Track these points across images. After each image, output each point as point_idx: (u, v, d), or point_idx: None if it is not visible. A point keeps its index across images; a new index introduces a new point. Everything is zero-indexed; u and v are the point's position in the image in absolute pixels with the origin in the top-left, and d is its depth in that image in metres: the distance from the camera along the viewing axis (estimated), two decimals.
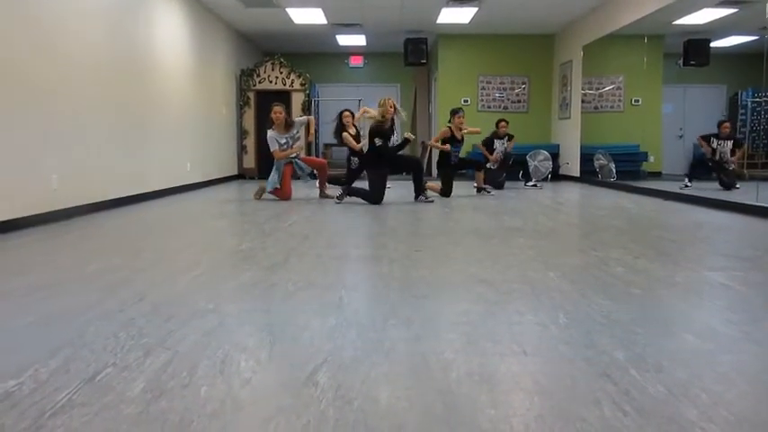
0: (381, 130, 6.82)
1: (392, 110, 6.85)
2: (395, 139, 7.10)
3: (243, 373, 1.76)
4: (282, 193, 7.33)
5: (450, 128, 7.79)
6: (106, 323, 2.25)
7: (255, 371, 1.78)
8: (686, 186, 7.90)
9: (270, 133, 7.32)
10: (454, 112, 7.85)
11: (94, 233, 4.79)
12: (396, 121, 7.23)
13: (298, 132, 7.49)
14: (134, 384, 1.67)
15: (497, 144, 9.12)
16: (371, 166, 6.99)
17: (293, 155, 7.46)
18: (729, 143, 8.32)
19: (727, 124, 8.47)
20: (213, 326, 2.22)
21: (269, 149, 7.54)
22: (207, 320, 2.28)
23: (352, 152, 7.72)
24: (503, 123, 9.18)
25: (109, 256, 3.77)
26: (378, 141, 6.80)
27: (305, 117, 7.62)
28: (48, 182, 5.21)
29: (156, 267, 3.39)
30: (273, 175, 7.33)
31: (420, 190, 6.98)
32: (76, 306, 2.52)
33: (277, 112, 7.30)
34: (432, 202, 6.83)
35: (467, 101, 11.85)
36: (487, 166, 8.85)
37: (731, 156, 8.29)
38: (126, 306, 2.48)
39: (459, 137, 7.81)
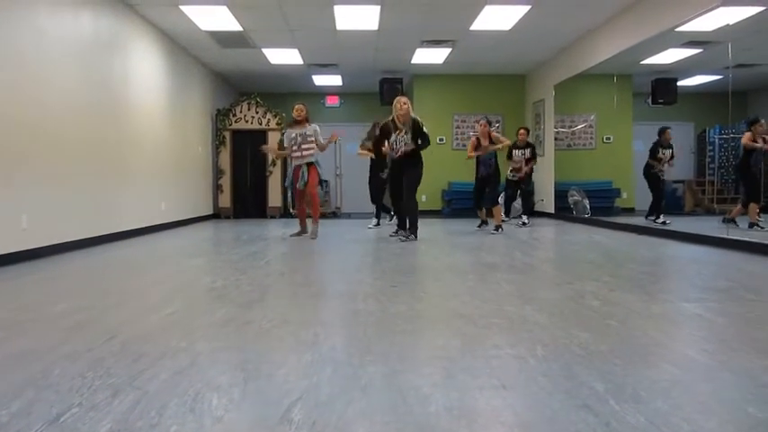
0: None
1: (404, 107, 6.71)
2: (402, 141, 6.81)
3: (215, 412, 1.70)
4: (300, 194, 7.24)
5: (477, 137, 8.07)
6: (73, 363, 2.17)
7: (228, 409, 1.73)
8: (665, 223, 7.97)
9: (287, 131, 7.30)
10: (477, 121, 8.26)
11: (64, 273, 4.68)
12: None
13: (311, 136, 7.14)
14: (100, 425, 1.61)
15: (516, 154, 9.06)
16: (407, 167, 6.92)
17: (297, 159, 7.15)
18: (670, 151, 8.59)
19: (670, 130, 8.67)
20: (185, 365, 2.15)
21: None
22: (178, 359, 2.22)
23: (379, 166, 8.29)
24: (522, 131, 9.19)
25: (78, 295, 3.68)
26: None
27: (321, 137, 7.21)
28: (17, 222, 5.10)
29: (127, 306, 3.31)
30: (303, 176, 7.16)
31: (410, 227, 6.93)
32: (41, 346, 2.43)
33: (298, 110, 7.21)
34: (410, 239, 6.74)
35: (442, 139, 11.99)
36: (510, 176, 9.13)
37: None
38: (94, 345, 2.40)
39: (484, 144, 7.98)
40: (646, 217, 8.34)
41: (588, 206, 9.81)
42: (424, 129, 6.78)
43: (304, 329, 2.66)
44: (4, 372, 2.13)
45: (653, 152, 8.54)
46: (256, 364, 2.18)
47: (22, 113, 5.17)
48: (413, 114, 6.82)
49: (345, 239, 7.17)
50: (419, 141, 6.73)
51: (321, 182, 7.25)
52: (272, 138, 11.40)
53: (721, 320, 2.83)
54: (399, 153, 6.76)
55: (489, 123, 8.18)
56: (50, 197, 5.60)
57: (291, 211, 7.40)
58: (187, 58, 9.85)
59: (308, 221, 7.34)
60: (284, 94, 13.33)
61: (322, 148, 7.19)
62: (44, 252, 5.44)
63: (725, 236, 6.02)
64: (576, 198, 10.08)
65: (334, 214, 11.93)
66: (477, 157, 8.05)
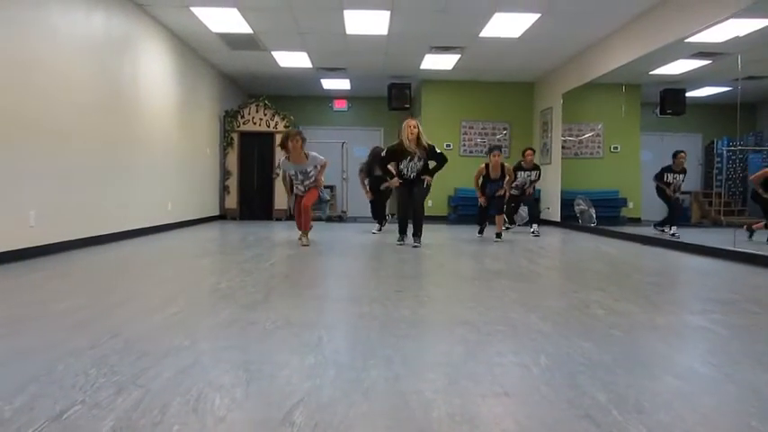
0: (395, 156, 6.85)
1: (414, 131, 6.63)
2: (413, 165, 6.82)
3: (217, 412, 1.70)
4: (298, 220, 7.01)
5: (486, 165, 7.83)
6: (76, 360, 2.18)
7: (230, 409, 1.73)
8: (674, 235, 7.89)
9: (283, 160, 6.97)
10: (490, 151, 7.89)
11: (70, 270, 4.70)
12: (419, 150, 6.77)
13: (311, 172, 6.87)
14: (103, 423, 1.61)
15: (521, 176, 8.80)
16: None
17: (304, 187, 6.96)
18: (682, 176, 8.36)
19: (683, 155, 8.39)
20: (188, 363, 2.16)
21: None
22: (181, 358, 2.22)
23: (381, 180, 8.36)
24: (529, 152, 8.87)
25: (83, 292, 3.69)
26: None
27: (321, 158, 6.96)
28: (25, 218, 5.13)
29: (132, 305, 3.32)
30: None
31: (417, 232, 6.87)
32: (45, 342, 2.44)
33: (295, 142, 6.78)
34: (418, 246, 6.69)
35: (449, 146, 11.99)
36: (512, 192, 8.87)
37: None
38: (98, 343, 2.41)
39: (493, 176, 7.77)
40: (654, 226, 8.29)
41: (594, 215, 9.79)
42: (437, 150, 6.82)
43: (308, 331, 2.67)
44: (8, 367, 2.14)
45: (659, 177, 8.35)
46: (259, 364, 2.18)
47: (31, 111, 5.20)
48: (425, 139, 6.74)
49: (351, 243, 7.17)
50: (431, 164, 6.80)
51: (321, 201, 7.09)
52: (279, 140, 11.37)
53: (726, 333, 2.82)
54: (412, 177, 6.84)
55: (501, 151, 7.90)
56: (58, 195, 5.63)
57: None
58: (196, 60, 9.89)
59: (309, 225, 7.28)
60: (293, 96, 13.39)
61: (320, 185, 7.01)
62: (51, 249, 5.47)
63: (731, 248, 5.99)
64: (582, 207, 10.06)
65: (340, 218, 11.93)
66: (485, 184, 7.88)
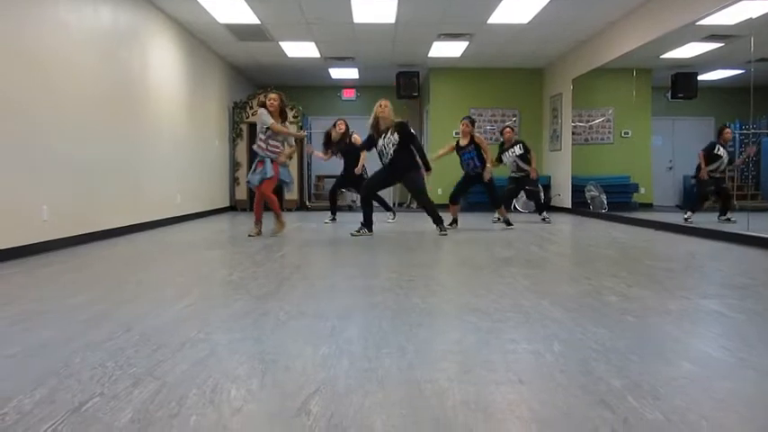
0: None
1: (384, 111, 6.52)
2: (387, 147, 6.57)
3: (233, 403, 1.72)
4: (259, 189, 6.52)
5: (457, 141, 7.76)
6: (93, 353, 2.20)
7: (246, 400, 1.74)
8: (687, 219, 7.78)
9: (263, 110, 6.47)
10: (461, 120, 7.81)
11: (83, 264, 4.73)
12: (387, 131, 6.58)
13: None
14: (122, 414, 1.63)
15: (506, 157, 8.74)
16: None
17: (282, 158, 6.54)
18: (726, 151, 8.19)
19: (730, 130, 8.23)
20: (203, 355, 2.18)
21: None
22: (197, 350, 2.24)
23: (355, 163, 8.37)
24: (507, 130, 8.83)
25: (97, 286, 3.72)
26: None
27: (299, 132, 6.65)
28: (38, 213, 5.17)
29: (146, 297, 3.35)
30: (264, 170, 6.43)
31: (436, 220, 6.77)
32: (63, 336, 2.47)
33: (272, 99, 6.49)
34: (445, 234, 6.66)
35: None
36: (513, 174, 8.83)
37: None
38: (114, 336, 2.44)
39: (462, 143, 7.71)
40: (718, 218, 8.03)
41: (605, 201, 9.75)
42: (408, 129, 6.64)
43: (321, 322, 2.68)
44: (27, 361, 2.17)
45: (709, 149, 8.08)
46: (274, 355, 2.20)
47: (42, 105, 5.23)
48: (387, 121, 6.54)
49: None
50: (407, 147, 6.56)
51: (284, 183, 6.67)
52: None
53: (741, 317, 2.80)
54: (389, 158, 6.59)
55: (473, 123, 7.80)
56: (70, 188, 5.67)
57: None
58: (205, 51, 9.89)
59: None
60: (301, 86, 13.37)
61: (281, 160, 6.52)
62: (64, 243, 5.51)
63: (745, 232, 5.95)
64: (593, 193, 10.01)
65: (350, 208, 11.94)
66: (460, 159, 7.73)
